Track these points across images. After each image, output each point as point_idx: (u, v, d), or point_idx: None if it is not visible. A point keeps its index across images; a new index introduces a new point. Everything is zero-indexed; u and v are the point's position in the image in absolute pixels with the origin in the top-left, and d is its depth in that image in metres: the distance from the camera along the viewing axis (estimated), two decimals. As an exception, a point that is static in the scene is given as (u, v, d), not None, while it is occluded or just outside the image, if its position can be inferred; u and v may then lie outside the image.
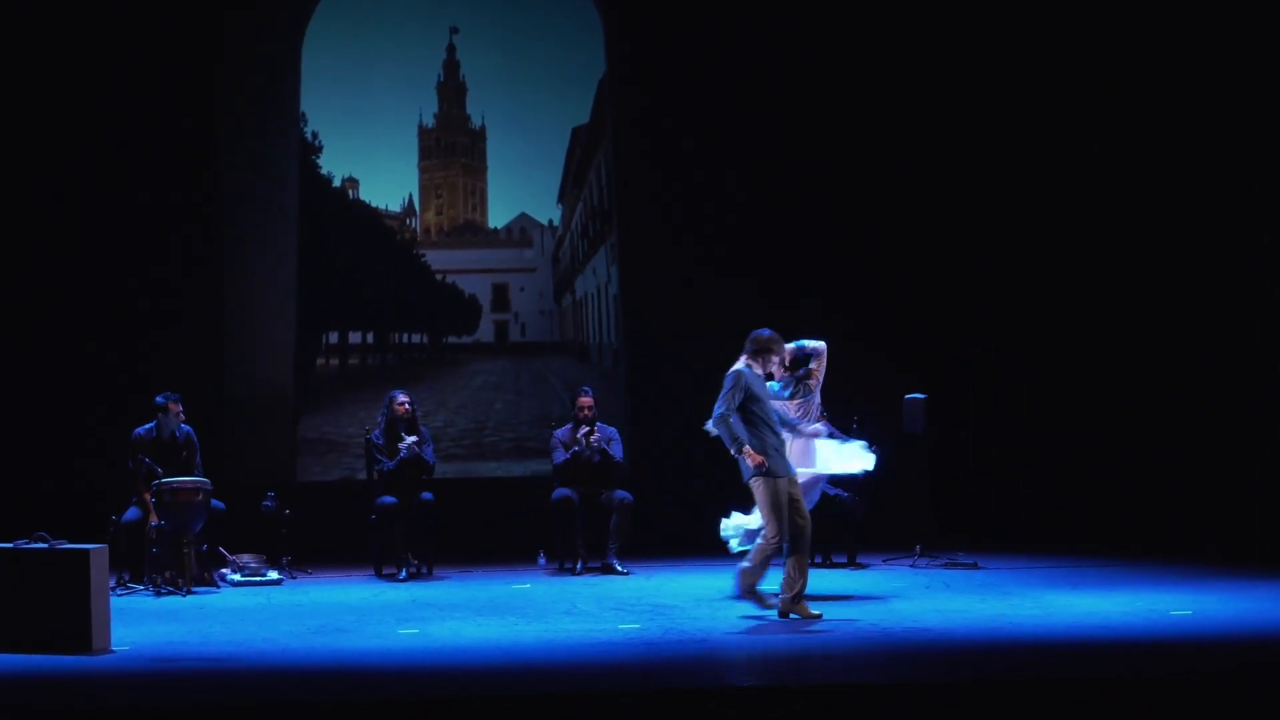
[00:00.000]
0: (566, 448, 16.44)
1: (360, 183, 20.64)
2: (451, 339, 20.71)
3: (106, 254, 18.56)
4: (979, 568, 15.74)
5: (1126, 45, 18.13)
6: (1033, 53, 18.61)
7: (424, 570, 15.98)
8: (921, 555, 16.06)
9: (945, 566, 15.85)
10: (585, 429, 16.38)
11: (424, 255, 20.76)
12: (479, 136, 21.28)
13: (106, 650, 11.57)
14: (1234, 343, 17.59)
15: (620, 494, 16.22)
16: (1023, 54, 18.62)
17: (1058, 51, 18.53)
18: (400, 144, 20.93)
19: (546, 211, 20.99)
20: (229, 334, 19.14)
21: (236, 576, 15.51)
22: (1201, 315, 17.88)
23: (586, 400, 16.54)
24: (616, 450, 16.46)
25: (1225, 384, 17.74)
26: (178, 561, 14.77)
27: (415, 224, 21.06)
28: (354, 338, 20.73)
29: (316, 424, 19.93)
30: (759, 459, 12.59)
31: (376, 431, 16.38)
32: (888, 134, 18.97)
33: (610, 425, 16.76)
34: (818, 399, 14.02)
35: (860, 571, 15.87)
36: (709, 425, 12.98)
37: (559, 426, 16.86)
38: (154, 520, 14.82)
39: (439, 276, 20.65)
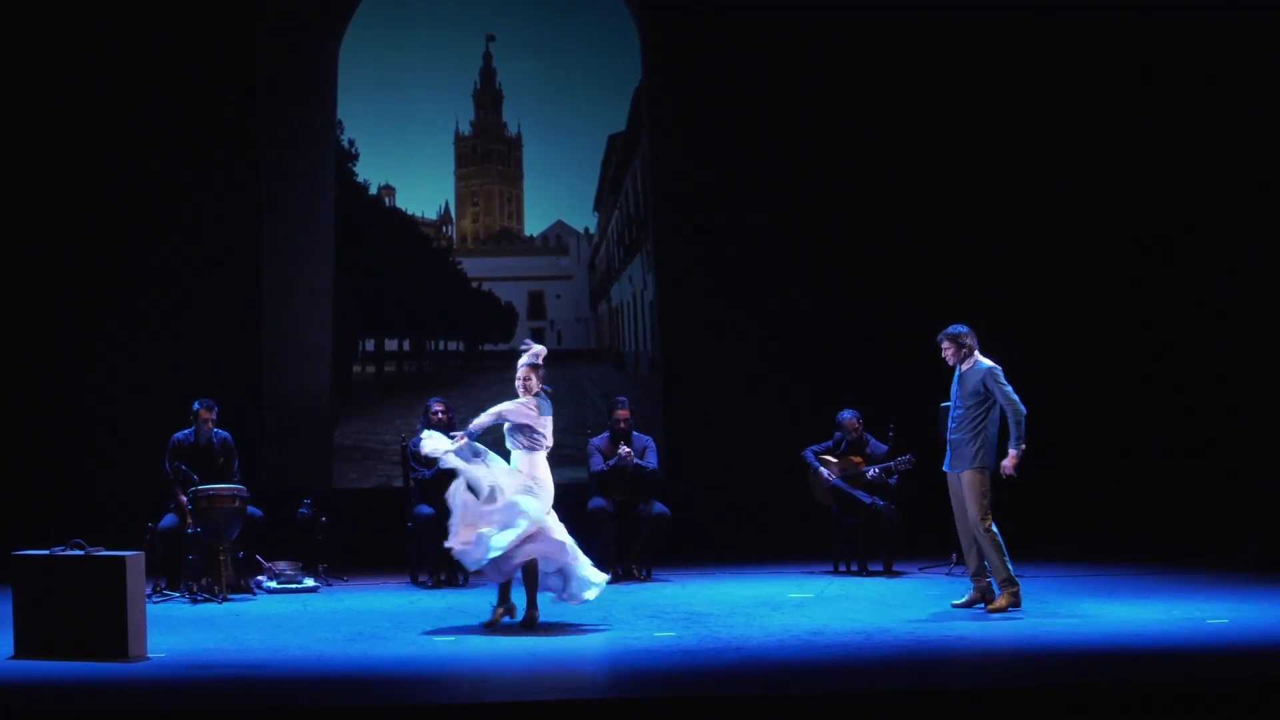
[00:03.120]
0: (605, 457, 16.39)
1: (397, 190, 20.68)
2: (488, 346, 20.73)
3: (145, 261, 18.64)
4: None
5: (1159, 54, 18.21)
6: (1061, 60, 18.68)
7: (460, 579, 15.96)
8: (957, 564, 15.99)
9: (981, 574, 15.81)
10: (624, 450, 16.29)
11: (460, 263, 20.78)
12: (515, 144, 21.30)
13: (143, 657, 11.59)
14: (1269, 351, 17.58)
15: (658, 507, 16.16)
16: (1045, 62, 18.70)
17: (1088, 59, 18.60)
18: (437, 152, 20.96)
19: (582, 219, 21.00)
20: (266, 341, 19.18)
21: (272, 584, 15.53)
22: (1236, 323, 17.87)
23: (623, 413, 16.48)
24: (651, 459, 16.40)
25: (1260, 392, 17.73)
26: (214, 568, 14.79)
27: (451, 231, 21.08)
28: (390, 345, 20.76)
29: (353, 431, 19.96)
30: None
31: (415, 439, 16.34)
32: (922, 142, 18.96)
33: (646, 434, 16.71)
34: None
35: (897, 580, 15.84)
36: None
37: (595, 435, 16.84)
38: (190, 527, 14.84)
39: (475, 284, 20.67)
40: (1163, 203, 18.44)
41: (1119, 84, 18.62)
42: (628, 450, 16.24)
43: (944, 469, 13.43)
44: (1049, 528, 17.75)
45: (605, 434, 16.61)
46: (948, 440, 13.36)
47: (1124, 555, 16.89)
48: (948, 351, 13.33)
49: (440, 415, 16.11)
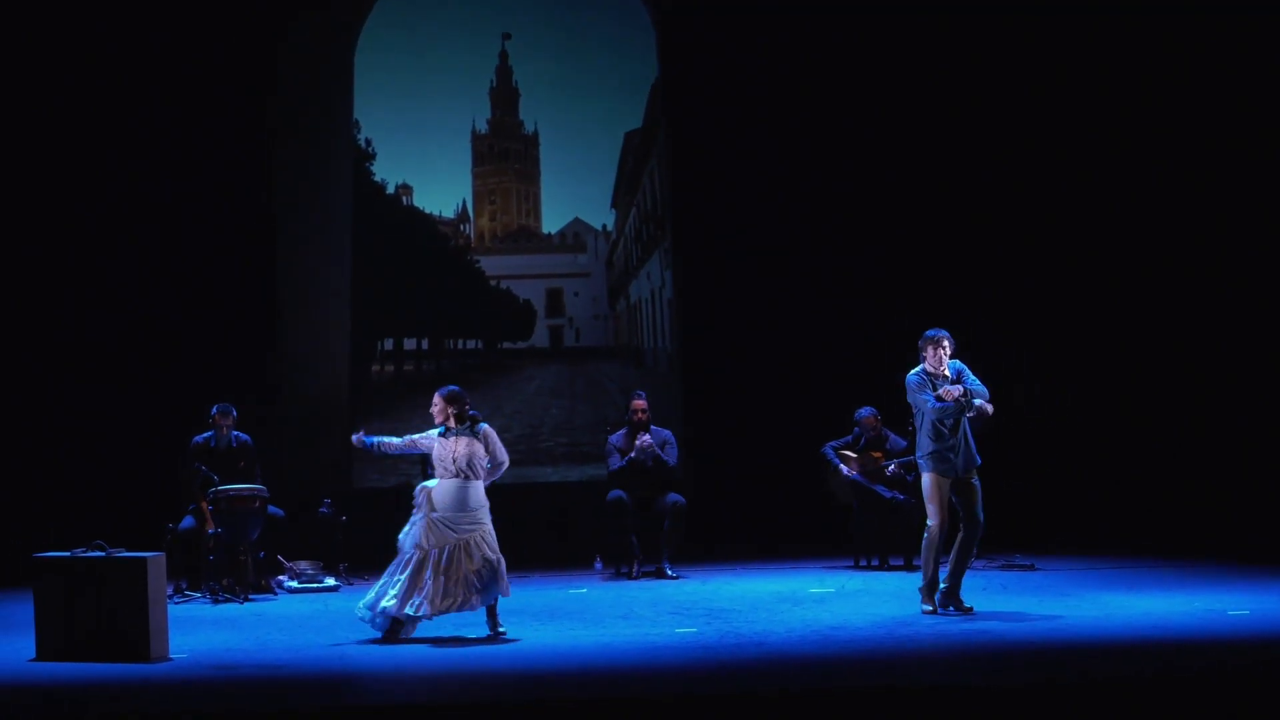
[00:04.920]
0: (622, 454, 16.37)
1: (414, 189, 20.72)
2: (506, 344, 20.76)
3: (163, 263, 18.65)
4: (1035, 569, 15.68)
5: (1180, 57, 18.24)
6: (1061, 60, 18.69)
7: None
8: (978, 557, 15.97)
9: (1002, 568, 15.79)
10: (642, 438, 16.27)
11: (478, 261, 20.82)
12: (532, 142, 21.37)
13: (165, 658, 11.62)
14: (1269, 349, 17.61)
15: (673, 497, 16.15)
16: (1044, 62, 18.70)
17: (1088, 59, 18.61)
18: (453, 150, 21.01)
19: (600, 216, 21.05)
20: (285, 341, 19.19)
21: (294, 583, 15.55)
22: (1256, 318, 17.86)
23: (640, 403, 16.48)
24: (671, 454, 16.38)
25: (1260, 390, 17.74)
26: (235, 569, 14.81)
27: (469, 230, 21.13)
28: (408, 344, 20.78)
29: (372, 430, 19.92)
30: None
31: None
32: (941, 138, 18.94)
33: (665, 429, 16.69)
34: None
35: (917, 574, 15.78)
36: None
37: (614, 431, 16.81)
38: (211, 528, 14.84)
39: (493, 282, 20.69)
40: (1162, 202, 18.43)
41: (1119, 84, 18.60)
42: (647, 440, 16.20)
43: (955, 474, 12.97)
44: (1047, 525, 17.74)
45: (623, 430, 16.58)
46: (956, 445, 13.00)
47: (1144, 548, 16.83)
48: (945, 353, 13.11)
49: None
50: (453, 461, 12.61)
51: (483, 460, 12.72)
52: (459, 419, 12.77)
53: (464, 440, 12.69)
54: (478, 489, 12.67)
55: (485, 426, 12.88)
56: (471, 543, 12.53)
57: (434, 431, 12.89)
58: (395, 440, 13.08)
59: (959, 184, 18.89)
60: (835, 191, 19.06)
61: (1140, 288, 18.54)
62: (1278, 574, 14.70)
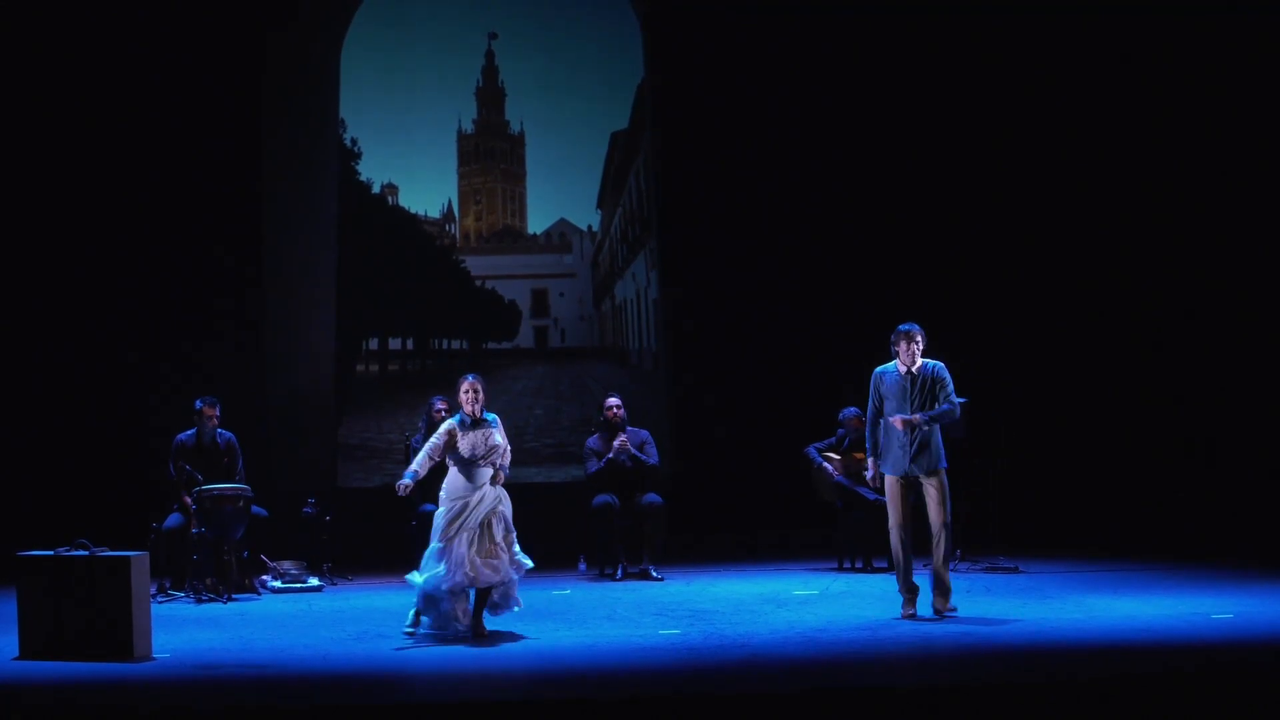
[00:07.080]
0: (599, 456, 16.37)
1: (399, 189, 20.70)
2: (491, 344, 20.75)
3: (150, 262, 18.61)
4: (1020, 572, 15.68)
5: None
6: (1061, 62, 18.68)
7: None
8: (962, 559, 15.99)
9: (986, 571, 15.79)
10: (619, 439, 16.28)
11: (463, 261, 20.81)
12: (518, 142, 21.36)
13: (148, 657, 11.61)
14: (1269, 350, 17.62)
15: (650, 497, 16.12)
16: (1045, 62, 18.70)
17: (1088, 59, 18.61)
18: (439, 150, 21.02)
19: (586, 217, 21.06)
20: (270, 341, 19.16)
21: (277, 583, 15.52)
22: (1242, 323, 17.89)
23: (614, 401, 16.48)
24: (651, 453, 16.37)
25: (1265, 389, 17.74)
26: (219, 568, 14.79)
27: (454, 230, 21.12)
28: (394, 344, 20.77)
29: (357, 430, 19.98)
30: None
31: (417, 437, 16.31)
32: (925, 140, 18.93)
33: (642, 429, 16.67)
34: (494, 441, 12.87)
35: (900, 575, 15.84)
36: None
37: (591, 434, 16.78)
38: (195, 527, 14.82)
39: (478, 282, 20.69)
40: (1161, 203, 18.44)
41: (1118, 84, 18.60)
42: (624, 441, 16.21)
43: (903, 474, 12.90)
44: (1049, 525, 17.76)
45: (599, 433, 16.57)
46: (909, 443, 12.88)
47: (1128, 551, 16.86)
48: (918, 348, 13.05)
49: (443, 413, 16.09)
50: (471, 449, 12.61)
51: (498, 448, 12.73)
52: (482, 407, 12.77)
53: (482, 429, 12.70)
54: (493, 474, 12.73)
55: (493, 415, 12.86)
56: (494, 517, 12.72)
57: (447, 426, 12.79)
58: (422, 458, 12.89)
59: (957, 182, 18.88)
60: (824, 192, 19.05)
61: (1139, 288, 18.55)
62: (1261, 577, 14.72)
